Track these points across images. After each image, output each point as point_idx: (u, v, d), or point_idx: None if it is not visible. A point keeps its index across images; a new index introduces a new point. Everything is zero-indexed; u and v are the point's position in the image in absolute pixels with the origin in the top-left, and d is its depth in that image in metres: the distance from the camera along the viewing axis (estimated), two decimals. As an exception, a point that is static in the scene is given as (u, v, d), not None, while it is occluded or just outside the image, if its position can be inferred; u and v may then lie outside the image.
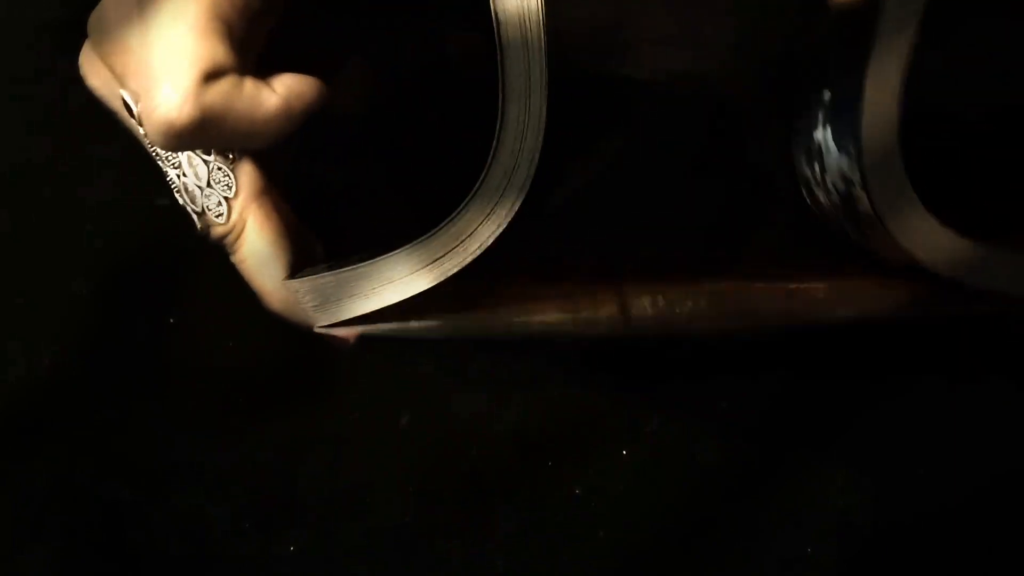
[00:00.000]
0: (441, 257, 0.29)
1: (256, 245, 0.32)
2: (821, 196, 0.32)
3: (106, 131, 0.32)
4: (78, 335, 0.38)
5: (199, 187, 0.31)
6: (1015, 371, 0.36)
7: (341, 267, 0.30)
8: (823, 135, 0.30)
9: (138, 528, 0.37)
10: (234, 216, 0.31)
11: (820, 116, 0.31)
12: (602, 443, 0.37)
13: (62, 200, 0.38)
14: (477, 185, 0.28)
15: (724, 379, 0.37)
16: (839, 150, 0.29)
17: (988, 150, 0.35)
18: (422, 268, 0.29)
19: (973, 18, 0.34)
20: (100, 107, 0.31)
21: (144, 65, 0.27)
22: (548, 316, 0.31)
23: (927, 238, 0.28)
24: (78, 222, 0.38)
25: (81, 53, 0.31)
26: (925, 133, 0.30)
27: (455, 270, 0.29)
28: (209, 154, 0.31)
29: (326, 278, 0.30)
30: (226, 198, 0.31)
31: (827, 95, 0.30)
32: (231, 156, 0.31)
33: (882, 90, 0.27)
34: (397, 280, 0.29)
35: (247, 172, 0.31)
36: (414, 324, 0.31)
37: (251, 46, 0.29)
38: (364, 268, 0.29)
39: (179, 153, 0.31)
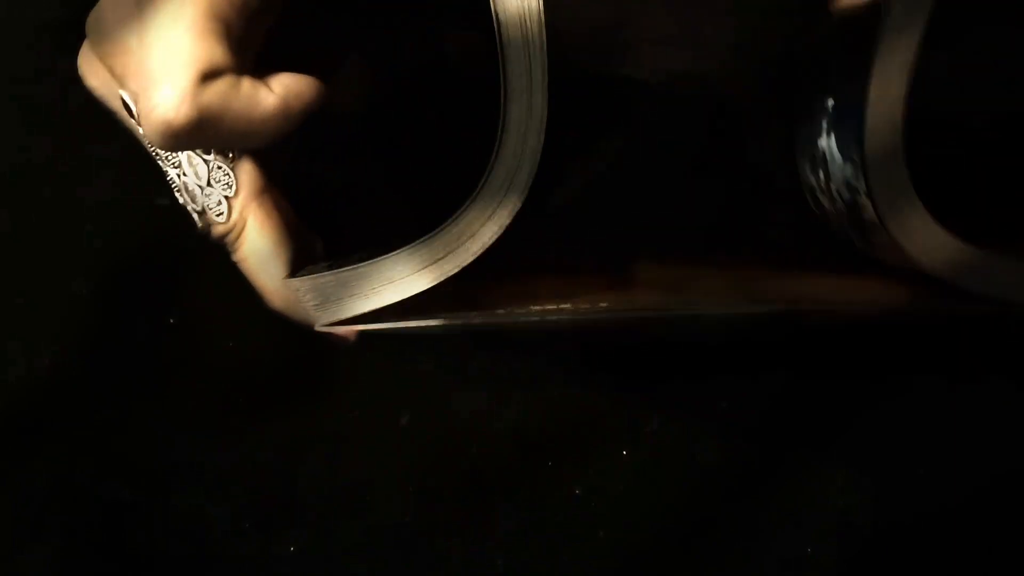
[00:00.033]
0: (442, 257, 0.29)
1: (257, 244, 0.32)
2: (826, 203, 0.32)
3: (106, 131, 0.32)
4: (78, 335, 0.38)
5: (199, 186, 0.31)
6: (1015, 371, 0.36)
7: (342, 266, 0.30)
8: (827, 143, 0.30)
9: (138, 528, 0.37)
10: (234, 215, 0.31)
11: (824, 124, 0.30)
12: (602, 443, 0.37)
13: (62, 200, 0.38)
14: (479, 185, 0.28)
15: (724, 379, 0.37)
16: (844, 159, 0.29)
17: (992, 157, 0.35)
18: (423, 268, 0.29)
19: (977, 25, 0.34)
20: (100, 107, 0.31)
21: (142, 65, 0.27)
22: (547, 304, 0.31)
23: (932, 245, 0.28)
24: (78, 222, 0.38)
25: (80, 53, 0.31)
26: (929, 140, 0.30)
27: (456, 270, 0.29)
28: (209, 153, 0.31)
29: (327, 277, 0.30)
30: (226, 197, 0.31)
31: (831, 103, 0.30)
32: (231, 155, 0.31)
33: (886, 97, 0.27)
34: (398, 280, 0.29)
35: (247, 171, 0.31)
36: (414, 320, 0.31)
37: (249, 45, 0.29)
38: (365, 268, 0.29)
39: (179, 152, 0.31)
